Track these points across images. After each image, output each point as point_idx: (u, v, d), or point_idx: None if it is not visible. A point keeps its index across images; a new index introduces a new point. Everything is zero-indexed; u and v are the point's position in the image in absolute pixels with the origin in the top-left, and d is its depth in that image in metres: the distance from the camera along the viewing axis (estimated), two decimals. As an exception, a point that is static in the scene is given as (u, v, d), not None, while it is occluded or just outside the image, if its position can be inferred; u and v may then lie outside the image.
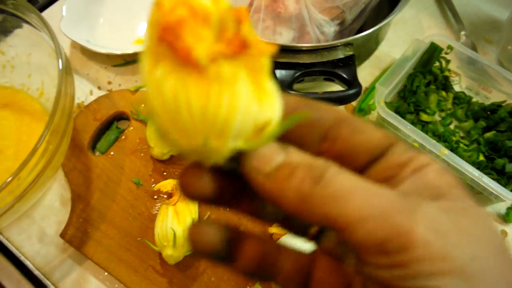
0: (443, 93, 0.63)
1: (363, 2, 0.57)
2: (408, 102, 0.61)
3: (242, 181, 0.20)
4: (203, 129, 0.17)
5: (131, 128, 0.61)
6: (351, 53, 0.53)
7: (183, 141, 0.18)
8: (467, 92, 0.64)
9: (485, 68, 0.61)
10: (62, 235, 0.53)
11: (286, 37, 0.58)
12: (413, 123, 0.59)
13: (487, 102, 0.63)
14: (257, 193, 0.19)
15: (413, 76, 0.62)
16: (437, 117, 0.62)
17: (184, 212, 0.50)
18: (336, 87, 0.55)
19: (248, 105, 0.17)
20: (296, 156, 0.19)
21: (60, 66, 0.47)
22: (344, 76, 0.52)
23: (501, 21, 0.73)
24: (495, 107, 0.61)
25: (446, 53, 0.63)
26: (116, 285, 0.52)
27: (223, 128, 0.17)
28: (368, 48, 0.62)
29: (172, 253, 0.48)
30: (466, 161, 0.52)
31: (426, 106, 0.61)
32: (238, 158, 0.19)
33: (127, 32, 0.71)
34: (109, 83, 0.68)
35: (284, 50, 0.53)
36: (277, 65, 0.51)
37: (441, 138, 0.58)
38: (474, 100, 0.63)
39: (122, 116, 0.63)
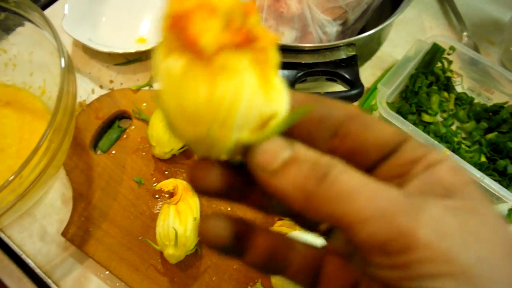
0: (445, 94, 0.63)
1: (366, 2, 0.56)
2: (410, 102, 0.61)
3: (250, 176, 0.20)
4: (207, 116, 0.18)
5: (133, 127, 0.61)
6: (353, 53, 0.53)
7: (188, 130, 0.19)
8: (469, 93, 0.64)
9: (487, 69, 0.61)
10: (64, 234, 0.53)
11: (288, 37, 0.58)
12: (415, 124, 0.59)
13: (489, 103, 0.63)
14: (263, 189, 0.19)
15: (415, 76, 0.62)
16: (439, 118, 0.62)
17: (186, 212, 0.50)
18: (338, 87, 0.55)
19: (253, 96, 0.18)
20: (302, 153, 0.19)
21: (63, 65, 0.47)
22: (347, 76, 0.52)
23: (503, 22, 0.73)
24: (497, 108, 0.60)
25: (448, 54, 0.63)
26: (117, 284, 0.52)
27: (226, 117, 0.18)
28: (370, 49, 0.62)
29: (174, 252, 0.48)
30: (468, 162, 0.52)
31: (428, 107, 0.61)
32: (246, 152, 0.20)
33: (129, 31, 0.71)
34: (111, 81, 0.68)
35: (287, 50, 0.53)
36: (279, 65, 0.51)
37: (443, 139, 0.58)
38: (476, 101, 0.63)
39: (123, 115, 0.63)
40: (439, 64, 0.64)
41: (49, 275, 0.53)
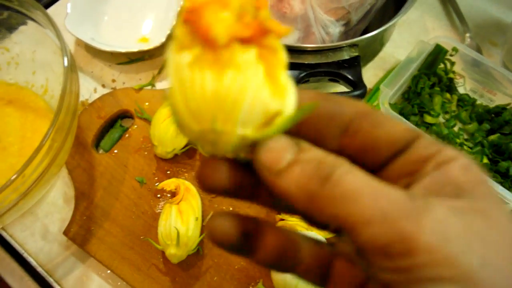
0: (448, 95, 0.63)
1: (369, 3, 0.56)
2: (412, 103, 0.61)
3: (258, 174, 0.20)
4: (212, 109, 0.18)
5: (135, 126, 0.61)
6: (356, 54, 0.53)
7: (194, 125, 0.19)
8: (472, 95, 0.64)
9: (490, 70, 0.61)
10: (66, 233, 0.53)
11: (291, 37, 0.58)
12: (417, 125, 0.59)
13: (492, 105, 0.63)
14: (269, 188, 0.19)
15: (417, 77, 0.62)
16: (441, 119, 0.62)
17: (188, 211, 0.50)
18: (341, 88, 0.55)
19: (258, 91, 0.18)
20: (306, 152, 0.19)
21: (66, 64, 0.47)
22: (349, 77, 0.52)
23: (506, 24, 0.73)
24: (500, 110, 0.60)
25: (451, 55, 0.63)
26: (119, 283, 0.52)
27: (230, 111, 0.18)
28: (373, 49, 0.62)
29: (176, 252, 0.48)
30: (470, 163, 0.52)
31: (430, 108, 0.61)
32: (252, 150, 0.20)
33: (131, 30, 0.71)
34: (113, 81, 0.68)
35: (289, 50, 0.53)
36: (287, 63, 0.51)
37: (445, 140, 0.58)
38: (478, 102, 0.63)
39: (126, 114, 0.63)
40: (442, 65, 0.64)
41: (51, 273, 0.53)
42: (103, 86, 0.67)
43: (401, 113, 0.60)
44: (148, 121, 0.60)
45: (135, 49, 0.65)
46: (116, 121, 0.62)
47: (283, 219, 0.50)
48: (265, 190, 0.22)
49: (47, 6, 0.74)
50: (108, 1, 0.73)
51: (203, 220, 0.53)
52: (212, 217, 0.21)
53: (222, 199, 0.55)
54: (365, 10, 0.57)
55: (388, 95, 0.56)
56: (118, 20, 0.72)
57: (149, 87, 0.65)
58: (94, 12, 0.71)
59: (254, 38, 0.17)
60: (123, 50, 0.66)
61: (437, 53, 0.62)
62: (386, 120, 0.21)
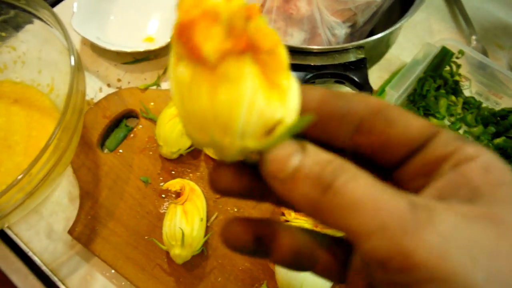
0: (453, 98, 0.63)
1: (375, 5, 0.56)
2: (418, 106, 0.61)
3: None
4: (209, 124, 0.18)
5: (140, 126, 0.61)
6: (362, 56, 0.53)
7: (197, 136, 0.19)
8: (477, 97, 0.64)
9: (496, 73, 0.61)
10: (70, 232, 0.53)
11: (297, 39, 0.58)
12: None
13: (497, 108, 0.62)
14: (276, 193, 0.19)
15: (423, 80, 0.62)
16: (446, 122, 0.62)
17: (193, 212, 0.50)
18: (347, 90, 0.55)
19: (254, 103, 0.17)
20: (310, 160, 0.18)
21: (72, 63, 0.47)
22: (355, 79, 0.52)
23: (512, 26, 0.73)
24: (505, 113, 0.60)
25: (457, 58, 0.63)
26: (123, 283, 0.52)
27: (226, 126, 0.18)
28: (378, 51, 0.62)
29: (180, 252, 0.48)
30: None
31: (436, 111, 0.61)
32: (260, 154, 0.19)
33: (137, 30, 0.71)
34: (119, 80, 0.68)
35: (295, 52, 0.53)
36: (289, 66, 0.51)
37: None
38: (484, 105, 0.63)
39: (131, 114, 0.63)
40: (448, 68, 0.64)
41: (55, 272, 0.53)
42: (109, 85, 0.67)
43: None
44: (153, 121, 0.60)
45: (140, 49, 0.65)
46: (121, 121, 0.62)
47: (287, 221, 0.50)
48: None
49: (53, 5, 0.74)
50: (114, 1, 0.73)
51: (207, 221, 0.53)
52: (226, 224, 0.21)
53: (226, 200, 0.55)
54: (371, 12, 0.57)
55: (393, 98, 0.56)
56: (124, 20, 0.72)
57: (155, 87, 0.65)
58: (100, 11, 0.71)
59: (246, 50, 0.17)
60: (128, 50, 0.66)
61: (443, 56, 0.62)
62: (400, 117, 0.20)
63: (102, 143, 0.61)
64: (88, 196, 0.55)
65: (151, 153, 0.59)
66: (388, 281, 0.16)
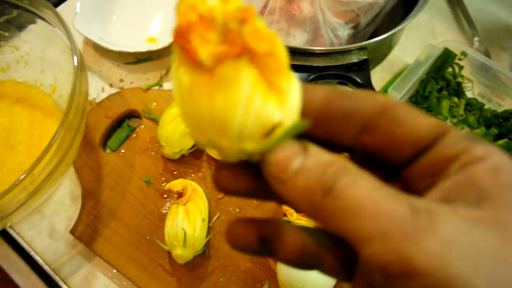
0: (455, 99, 0.63)
1: (378, 6, 0.56)
2: (420, 107, 0.61)
3: None
4: (207, 126, 0.18)
5: (142, 126, 0.61)
6: (365, 57, 0.53)
7: (198, 137, 0.19)
8: (480, 99, 0.64)
9: (498, 75, 0.61)
10: (72, 232, 0.53)
11: (299, 39, 0.58)
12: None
13: (500, 110, 0.62)
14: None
15: (425, 81, 0.62)
16: (448, 123, 0.62)
17: (195, 212, 0.50)
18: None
19: (249, 106, 0.17)
20: (311, 161, 0.18)
21: (75, 63, 0.48)
22: (358, 80, 0.52)
23: (515, 28, 0.73)
24: (508, 115, 0.60)
25: (460, 59, 0.63)
26: (125, 283, 0.52)
27: (223, 128, 0.18)
28: (381, 53, 0.62)
29: (182, 252, 0.48)
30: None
31: (438, 112, 0.60)
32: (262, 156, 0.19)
33: (140, 30, 0.71)
34: (121, 80, 0.68)
35: (298, 53, 0.53)
36: (290, 67, 0.51)
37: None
38: (486, 107, 0.63)
39: (133, 114, 0.63)
40: (450, 69, 0.64)
41: (57, 272, 0.53)
42: (111, 85, 0.67)
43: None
44: (155, 121, 0.61)
45: (143, 49, 0.65)
46: (124, 121, 0.62)
47: (289, 222, 0.50)
48: None
49: (56, 5, 0.74)
50: (117, 1, 0.73)
51: (209, 221, 0.53)
52: (230, 224, 0.21)
53: (228, 200, 0.55)
54: (374, 13, 0.57)
55: (396, 99, 0.56)
56: (127, 20, 0.72)
57: (157, 87, 0.65)
58: (103, 11, 0.71)
59: (241, 53, 0.17)
60: (131, 50, 0.66)
61: (446, 57, 0.62)
62: (408, 115, 0.19)
63: (104, 143, 0.61)
64: (90, 196, 0.55)
65: (153, 153, 0.59)
66: (388, 286, 0.16)
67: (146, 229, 0.54)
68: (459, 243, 0.15)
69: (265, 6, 0.57)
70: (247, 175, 0.21)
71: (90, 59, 0.70)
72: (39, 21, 0.57)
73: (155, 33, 0.71)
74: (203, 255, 0.52)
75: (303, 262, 0.21)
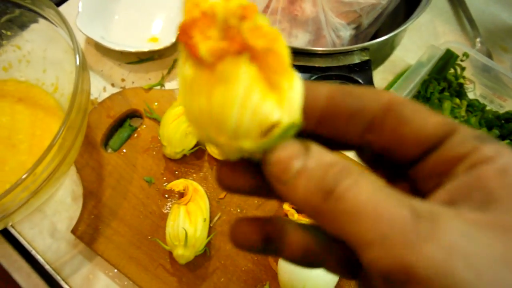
0: (457, 100, 0.63)
1: (380, 7, 0.56)
2: (422, 108, 0.60)
3: None
4: (205, 123, 0.18)
5: (144, 126, 0.61)
6: (367, 58, 0.53)
7: (198, 133, 0.19)
8: (481, 100, 0.64)
9: (500, 76, 0.61)
10: (73, 231, 0.53)
11: (301, 40, 0.58)
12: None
13: (502, 111, 0.62)
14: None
15: (427, 82, 0.62)
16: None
17: (196, 212, 0.50)
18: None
19: (246, 104, 0.17)
20: (313, 162, 0.17)
21: (78, 63, 0.48)
22: (360, 81, 0.52)
23: (517, 29, 0.73)
24: (510, 116, 0.60)
25: (462, 61, 0.63)
26: (126, 283, 0.52)
27: (220, 125, 0.18)
28: (383, 53, 0.62)
29: (183, 252, 0.48)
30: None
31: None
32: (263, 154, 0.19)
33: (141, 30, 0.71)
34: (123, 80, 0.68)
35: (300, 53, 0.53)
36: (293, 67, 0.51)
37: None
38: (488, 108, 0.63)
39: (135, 113, 0.63)
40: (452, 70, 0.64)
41: (58, 271, 0.53)
42: (113, 85, 0.67)
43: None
44: (157, 121, 0.61)
45: (145, 49, 0.65)
46: (125, 121, 0.62)
47: (292, 220, 0.50)
48: None
49: (58, 4, 0.74)
50: (119, 0, 0.73)
51: (210, 221, 0.53)
52: (234, 224, 0.21)
53: (229, 200, 0.55)
54: (376, 14, 0.57)
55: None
56: (129, 20, 0.72)
57: (159, 87, 0.65)
58: (105, 11, 0.71)
59: (241, 50, 0.17)
60: (133, 50, 0.66)
61: (448, 58, 0.62)
62: (414, 114, 0.18)
63: (106, 143, 0.61)
64: (91, 196, 0.55)
65: (154, 153, 0.59)
66: None
67: (147, 229, 0.54)
68: (462, 249, 0.15)
69: (267, 7, 0.57)
70: (249, 173, 0.21)
71: (92, 59, 0.70)
72: (41, 20, 0.57)
73: (157, 32, 0.71)
74: (204, 255, 0.52)
75: (307, 261, 0.21)
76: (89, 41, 0.71)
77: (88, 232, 0.53)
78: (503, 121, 0.61)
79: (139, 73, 0.68)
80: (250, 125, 0.18)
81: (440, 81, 0.62)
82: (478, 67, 0.63)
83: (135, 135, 0.60)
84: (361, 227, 0.16)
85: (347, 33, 0.57)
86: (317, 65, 0.52)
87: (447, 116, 0.18)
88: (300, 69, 0.52)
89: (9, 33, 0.61)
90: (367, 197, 0.16)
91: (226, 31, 0.17)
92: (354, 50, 0.53)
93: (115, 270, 0.52)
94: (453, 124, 0.18)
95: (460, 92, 0.63)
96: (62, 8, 0.74)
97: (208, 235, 0.51)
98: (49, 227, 0.56)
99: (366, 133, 0.20)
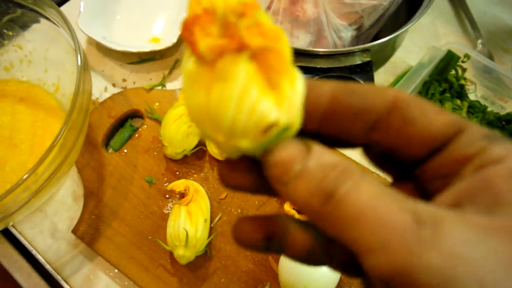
0: (458, 102, 0.63)
1: (382, 8, 0.56)
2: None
3: None
4: (204, 120, 0.18)
5: (145, 126, 0.61)
6: (368, 59, 0.53)
7: (199, 129, 0.19)
8: (483, 101, 0.64)
9: (502, 77, 0.61)
10: (74, 231, 0.53)
11: (303, 41, 0.58)
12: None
13: (503, 112, 0.62)
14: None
15: (428, 83, 0.62)
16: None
17: (197, 213, 0.50)
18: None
19: (242, 103, 0.17)
20: (314, 162, 0.17)
21: (79, 63, 0.48)
22: (361, 82, 0.52)
23: (518, 31, 0.73)
24: (511, 117, 0.60)
25: (463, 62, 0.63)
26: (126, 283, 0.52)
27: (217, 123, 0.18)
28: (384, 54, 0.62)
29: (184, 253, 0.48)
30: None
31: (441, 114, 0.60)
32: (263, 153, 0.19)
33: (143, 30, 0.71)
34: (124, 80, 0.68)
35: (301, 54, 0.53)
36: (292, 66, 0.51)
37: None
38: (489, 109, 0.63)
39: (136, 114, 0.63)
40: (453, 72, 0.63)
41: (59, 271, 0.53)
42: (114, 85, 0.67)
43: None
44: (158, 121, 0.61)
45: (146, 49, 0.65)
46: (126, 121, 0.63)
47: (295, 218, 0.50)
48: None
49: (59, 4, 0.75)
50: (120, 1, 0.73)
51: (211, 222, 0.53)
52: (236, 223, 0.21)
53: (230, 201, 0.55)
54: (377, 15, 0.57)
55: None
56: (130, 20, 0.72)
57: (160, 87, 0.65)
58: (107, 11, 0.71)
59: (241, 48, 0.17)
60: (134, 50, 0.66)
61: (449, 59, 0.62)
62: (420, 113, 0.18)
63: (107, 143, 0.61)
64: (92, 196, 0.55)
65: (155, 153, 0.59)
66: None
67: (148, 229, 0.54)
68: (465, 256, 0.14)
69: (269, 7, 0.57)
70: (250, 171, 0.20)
71: (93, 59, 0.70)
72: (43, 21, 0.57)
73: (159, 33, 0.71)
74: (205, 256, 0.52)
75: (312, 259, 0.20)
76: (91, 41, 0.71)
77: (88, 232, 0.53)
78: (504, 123, 0.61)
79: (140, 73, 0.68)
80: (247, 124, 0.17)
81: (441, 82, 0.62)
82: (479, 69, 0.63)
83: (136, 135, 0.60)
84: (361, 233, 0.15)
85: (348, 34, 0.57)
86: (318, 66, 0.52)
87: (455, 114, 0.18)
88: (301, 70, 0.52)
89: (10, 33, 0.61)
90: (368, 202, 0.15)
91: (226, 28, 0.17)
92: (356, 51, 0.53)
93: (116, 270, 0.52)
94: (462, 122, 0.17)
95: (461, 94, 0.63)
96: (64, 8, 0.74)
97: (209, 236, 0.51)
98: (49, 227, 0.56)
99: (371, 132, 0.19)
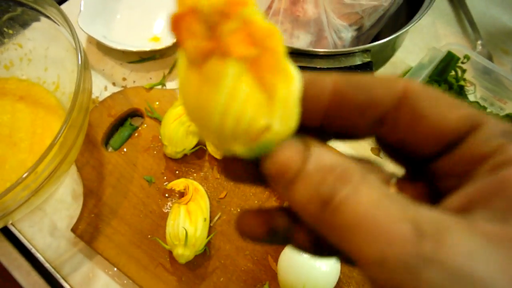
0: (458, 103, 0.63)
1: (382, 8, 0.56)
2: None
3: None
4: (195, 120, 0.18)
5: (145, 125, 0.61)
6: (368, 59, 0.53)
7: (196, 127, 0.19)
8: (482, 103, 0.64)
9: (501, 78, 0.61)
10: (73, 230, 0.53)
11: (303, 41, 0.58)
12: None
13: (502, 113, 0.62)
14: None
15: (428, 84, 0.62)
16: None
17: (196, 212, 0.50)
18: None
19: (228, 107, 0.16)
20: (313, 164, 0.16)
21: (80, 61, 0.48)
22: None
23: (518, 32, 0.73)
24: (510, 119, 0.60)
25: (463, 63, 0.63)
26: (125, 281, 0.52)
27: (206, 125, 0.17)
28: (384, 55, 0.62)
29: (183, 252, 0.48)
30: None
31: (441, 115, 0.60)
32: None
33: (143, 29, 0.71)
34: (124, 79, 0.68)
35: (301, 54, 0.53)
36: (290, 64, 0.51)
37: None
38: (488, 110, 0.63)
39: (136, 113, 0.63)
40: (453, 73, 0.64)
41: (58, 270, 0.53)
42: (114, 84, 0.67)
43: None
44: (158, 120, 0.61)
45: (146, 48, 0.65)
46: (126, 120, 0.63)
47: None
48: None
49: (60, 3, 0.75)
50: (120, 0, 0.73)
51: (211, 221, 0.54)
52: (239, 216, 0.20)
53: (230, 200, 0.55)
54: (378, 15, 0.57)
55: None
56: (130, 19, 0.72)
57: (160, 87, 0.65)
58: (107, 10, 0.71)
59: (225, 54, 0.16)
60: (134, 49, 0.66)
61: (449, 60, 0.62)
62: (432, 106, 0.16)
63: (106, 142, 0.61)
64: (91, 194, 0.55)
65: (155, 152, 0.59)
66: None
67: (147, 228, 0.54)
68: (469, 273, 0.13)
69: (269, 7, 0.57)
70: (252, 165, 0.20)
71: (93, 58, 0.70)
72: (43, 19, 0.57)
73: (159, 32, 0.71)
74: (204, 255, 0.52)
75: (319, 251, 0.19)
76: (91, 40, 0.71)
77: (88, 231, 0.53)
78: (503, 124, 0.61)
79: (140, 72, 0.68)
80: (235, 130, 0.16)
81: (441, 83, 0.62)
82: (479, 70, 0.63)
83: (136, 134, 0.60)
84: (359, 244, 0.14)
85: (348, 34, 0.58)
86: (318, 67, 0.52)
87: (471, 107, 0.16)
88: (301, 70, 0.52)
89: (11, 31, 0.61)
90: (366, 209, 0.14)
91: (213, 29, 0.16)
92: (356, 52, 0.53)
93: (115, 269, 0.52)
94: (478, 116, 0.16)
95: (460, 94, 0.63)
96: (64, 7, 0.74)
97: (208, 235, 0.52)
98: (49, 225, 0.56)
99: (377, 126, 0.18)
